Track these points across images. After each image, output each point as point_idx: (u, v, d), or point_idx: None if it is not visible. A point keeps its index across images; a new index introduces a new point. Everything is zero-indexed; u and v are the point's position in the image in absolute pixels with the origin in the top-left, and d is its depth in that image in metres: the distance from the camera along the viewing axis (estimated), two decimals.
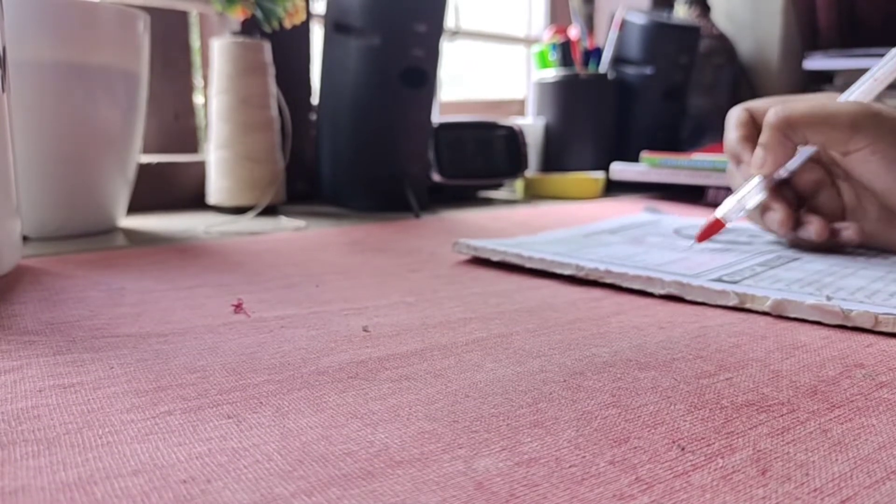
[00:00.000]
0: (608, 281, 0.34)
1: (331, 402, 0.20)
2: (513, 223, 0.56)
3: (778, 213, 0.40)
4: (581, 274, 0.35)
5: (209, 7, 0.57)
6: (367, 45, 0.61)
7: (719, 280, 0.32)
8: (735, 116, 0.43)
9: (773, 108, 0.39)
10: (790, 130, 0.38)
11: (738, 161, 0.43)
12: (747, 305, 0.29)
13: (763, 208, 0.41)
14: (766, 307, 0.29)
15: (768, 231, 0.43)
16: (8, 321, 0.28)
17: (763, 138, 0.40)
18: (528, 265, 0.37)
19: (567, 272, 0.35)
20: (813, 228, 0.39)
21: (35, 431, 0.18)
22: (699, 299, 0.31)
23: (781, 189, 0.41)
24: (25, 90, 0.43)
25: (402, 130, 0.64)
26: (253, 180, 0.60)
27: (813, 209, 0.42)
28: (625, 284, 0.33)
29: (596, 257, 0.37)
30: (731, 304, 0.30)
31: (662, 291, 0.32)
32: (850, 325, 0.27)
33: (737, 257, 0.38)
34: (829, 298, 0.28)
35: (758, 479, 0.16)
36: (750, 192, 0.41)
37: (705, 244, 0.41)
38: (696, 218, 0.55)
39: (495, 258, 0.38)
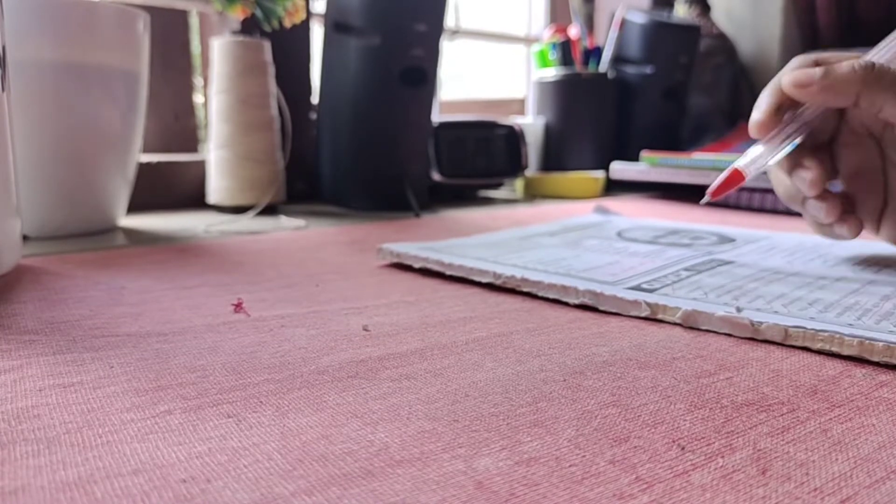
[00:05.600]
0: (525, 289, 0.33)
1: (331, 402, 0.20)
2: (512, 222, 0.56)
3: (811, 172, 0.35)
4: (499, 282, 0.34)
5: (209, 6, 0.57)
6: (367, 44, 0.61)
7: (637, 288, 0.31)
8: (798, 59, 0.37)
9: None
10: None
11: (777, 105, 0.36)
12: (659, 316, 0.28)
13: (793, 165, 0.36)
14: (676, 318, 0.28)
15: (791, 198, 0.37)
16: (8, 321, 0.28)
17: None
18: (449, 272, 0.36)
19: (485, 280, 0.34)
20: (825, 207, 0.35)
21: (35, 431, 0.18)
22: (612, 309, 0.30)
23: (817, 152, 0.36)
24: (25, 90, 0.43)
25: (402, 130, 0.64)
26: (253, 180, 0.60)
27: (850, 194, 0.37)
28: (540, 293, 0.32)
29: (520, 262, 0.36)
30: (643, 314, 0.29)
31: (576, 301, 0.31)
32: (759, 338, 0.26)
33: (667, 261, 0.37)
34: (739, 310, 0.27)
35: (758, 479, 0.16)
36: (779, 144, 0.34)
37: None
38: (645, 219, 0.55)
39: (417, 265, 0.37)
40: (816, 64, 0.35)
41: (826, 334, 0.24)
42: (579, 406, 0.20)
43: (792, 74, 0.34)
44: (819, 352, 0.25)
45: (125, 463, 0.16)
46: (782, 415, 0.19)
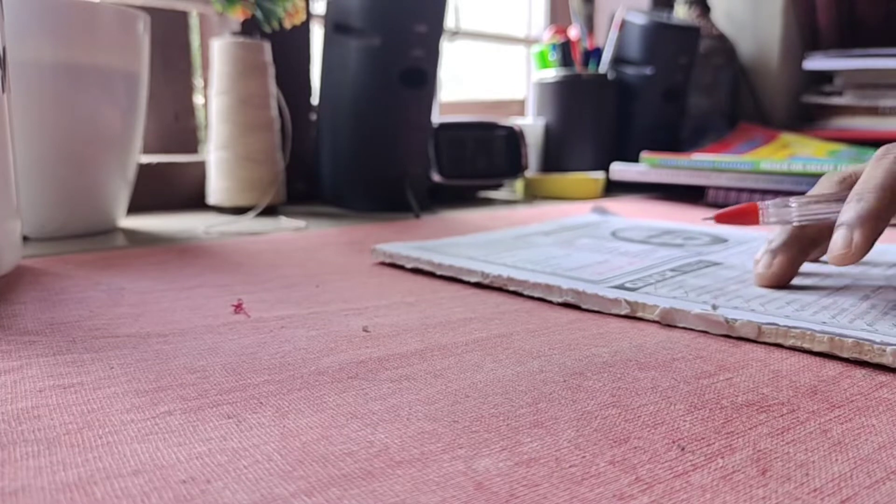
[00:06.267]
0: (511, 288, 0.33)
1: (331, 403, 0.20)
2: (511, 223, 0.56)
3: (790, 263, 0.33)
4: (486, 281, 0.34)
5: (209, 7, 0.57)
6: (367, 45, 0.61)
7: (620, 287, 0.31)
8: None
9: None
10: None
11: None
12: (639, 314, 0.29)
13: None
14: (654, 316, 0.28)
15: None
16: (8, 321, 0.28)
17: None
18: (439, 272, 0.36)
19: (474, 279, 0.35)
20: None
21: (35, 431, 0.18)
22: (594, 308, 0.30)
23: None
24: (25, 90, 0.43)
25: (402, 130, 0.64)
26: (253, 180, 0.60)
27: None
28: (525, 292, 0.32)
29: (510, 262, 0.36)
30: (623, 312, 0.29)
31: (560, 299, 0.31)
32: (734, 335, 0.26)
33: (655, 261, 0.37)
34: (714, 308, 0.27)
35: (758, 479, 0.16)
36: (813, 215, 0.32)
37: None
38: (641, 220, 0.55)
39: (408, 265, 0.38)
40: (845, 181, 0.33)
41: (798, 331, 0.25)
42: (579, 407, 0.20)
43: (832, 258, 0.29)
44: (798, 349, 0.25)
45: (125, 464, 0.16)
46: (782, 415, 0.19)
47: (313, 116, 0.72)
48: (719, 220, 0.33)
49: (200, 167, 0.66)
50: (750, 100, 0.98)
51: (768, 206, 0.32)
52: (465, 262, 0.36)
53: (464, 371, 0.23)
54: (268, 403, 0.20)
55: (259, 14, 0.58)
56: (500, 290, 0.34)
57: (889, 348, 0.23)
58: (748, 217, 0.32)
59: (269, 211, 0.61)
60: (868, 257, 0.38)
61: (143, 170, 0.62)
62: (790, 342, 0.25)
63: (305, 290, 0.34)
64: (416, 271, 0.38)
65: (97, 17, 0.46)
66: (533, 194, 0.81)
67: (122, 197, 0.52)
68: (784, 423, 0.19)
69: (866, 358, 0.23)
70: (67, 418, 0.19)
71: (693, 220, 0.59)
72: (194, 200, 0.66)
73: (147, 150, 0.67)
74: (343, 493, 0.15)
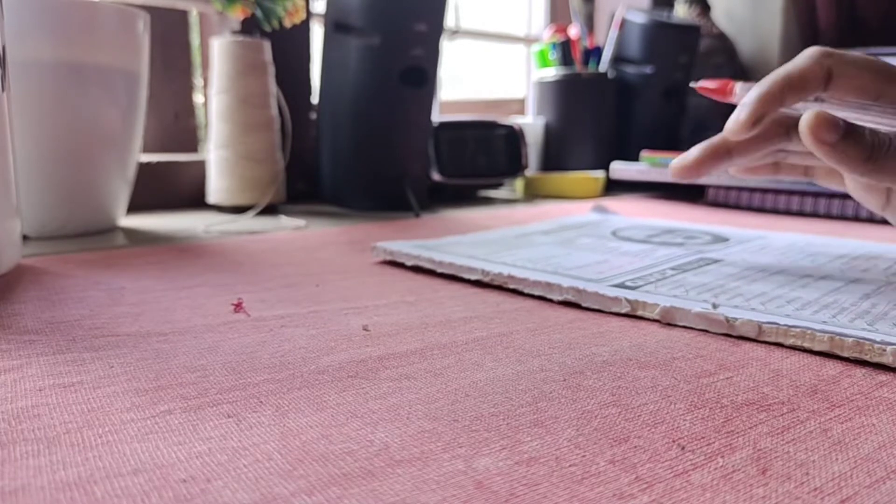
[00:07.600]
0: (511, 286, 0.33)
1: (331, 402, 0.20)
2: (511, 222, 0.56)
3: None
4: (486, 279, 0.34)
5: (209, 6, 0.57)
6: (367, 44, 0.61)
7: (620, 286, 0.31)
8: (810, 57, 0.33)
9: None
10: None
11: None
12: (639, 313, 0.29)
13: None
14: (655, 315, 0.28)
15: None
16: (8, 320, 0.28)
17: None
18: (439, 270, 0.36)
19: (474, 277, 0.35)
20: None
21: (35, 430, 0.18)
22: (594, 306, 0.30)
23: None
24: (25, 90, 0.43)
25: (402, 130, 0.64)
26: (253, 180, 0.60)
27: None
28: (525, 290, 0.33)
29: (510, 260, 0.36)
30: (623, 311, 0.29)
31: (560, 297, 0.31)
32: (734, 333, 0.26)
33: (655, 260, 0.37)
34: (714, 306, 0.28)
35: (758, 479, 0.16)
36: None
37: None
38: (642, 219, 0.55)
39: (409, 262, 0.38)
40: (829, 56, 0.33)
41: (798, 330, 0.25)
42: (579, 406, 0.20)
43: (812, 120, 0.29)
44: (799, 349, 0.25)
45: (125, 463, 0.16)
46: (782, 415, 0.19)
47: (313, 116, 0.72)
48: (700, 90, 0.35)
49: (200, 166, 0.66)
50: None
51: (737, 85, 0.34)
52: (465, 261, 0.36)
53: (464, 370, 0.23)
54: (268, 402, 0.20)
55: (259, 13, 0.58)
56: (500, 288, 0.34)
57: (889, 348, 0.23)
58: (722, 93, 0.34)
59: (269, 210, 0.61)
60: (868, 255, 0.38)
61: (143, 169, 0.62)
62: (790, 341, 0.25)
63: (305, 289, 0.34)
64: (417, 270, 0.38)
65: (97, 16, 0.46)
66: (533, 193, 0.81)
67: (122, 196, 0.52)
68: (784, 422, 0.19)
69: (867, 357, 0.23)
70: (67, 417, 0.19)
71: (694, 219, 0.59)
72: (194, 200, 0.66)
73: (147, 149, 0.67)
74: (343, 492, 0.15)
